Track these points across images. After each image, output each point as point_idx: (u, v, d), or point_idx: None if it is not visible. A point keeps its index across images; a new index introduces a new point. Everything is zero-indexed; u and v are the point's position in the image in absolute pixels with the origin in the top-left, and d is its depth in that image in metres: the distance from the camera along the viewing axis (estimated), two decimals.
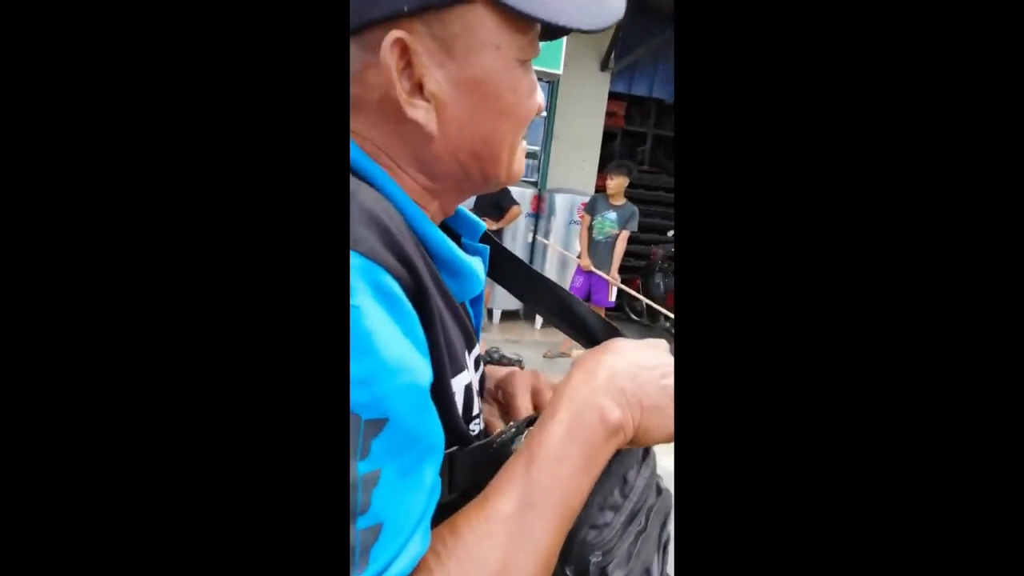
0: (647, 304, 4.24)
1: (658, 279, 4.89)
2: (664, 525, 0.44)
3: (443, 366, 0.34)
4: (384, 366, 0.27)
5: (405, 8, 0.30)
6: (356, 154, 0.34)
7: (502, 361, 0.55)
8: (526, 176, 5.26)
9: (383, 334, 0.28)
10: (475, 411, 0.39)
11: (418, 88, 0.34)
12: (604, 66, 5.02)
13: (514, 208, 4.11)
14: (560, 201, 4.79)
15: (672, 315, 4.23)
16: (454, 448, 0.36)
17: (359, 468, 0.27)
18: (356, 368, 0.27)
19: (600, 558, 0.37)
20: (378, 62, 0.32)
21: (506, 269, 0.48)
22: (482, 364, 0.44)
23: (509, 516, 0.30)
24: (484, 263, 0.42)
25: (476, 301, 0.43)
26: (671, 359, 0.38)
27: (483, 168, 0.37)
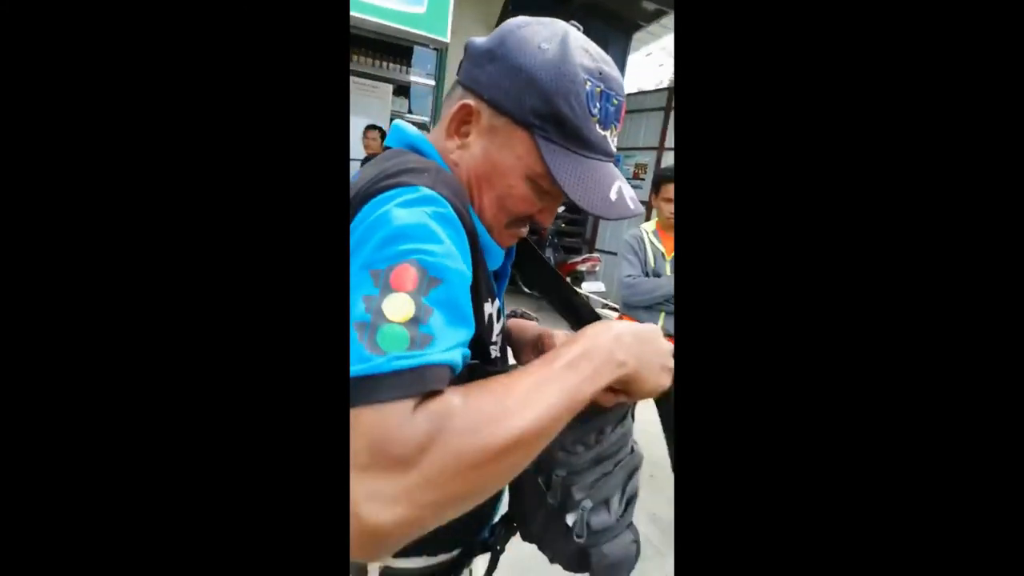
0: None
1: (548, 253, 5.10)
2: (630, 477, 0.54)
3: (479, 287, 0.46)
4: (447, 250, 0.38)
5: (484, 95, 0.47)
6: (435, 155, 0.51)
7: (525, 315, 0.72)
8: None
9: (448, 234, 0.39)
10: (494, 337, 0.52)
11: (464, 133, 0.50)
12: None
13: None
14: None
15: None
16: (476, 361, 0.45)
17: (422, 300, 0.35)
18: (428, 244, 0.37)
19: (564, 475, 0.50)
20: (455, 103, 0.49)
21: (525, 261, 0.63)
22: (503, 316, 0.56)
23: (524, 385, 0.36)
24: (509, 256, 0.59)
25: (500, 276, 0.58)
26: (668, 345, 0.48)
27: (479, 212, 0.50)
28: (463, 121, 0.49)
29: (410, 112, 5.12)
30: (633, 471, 0.54)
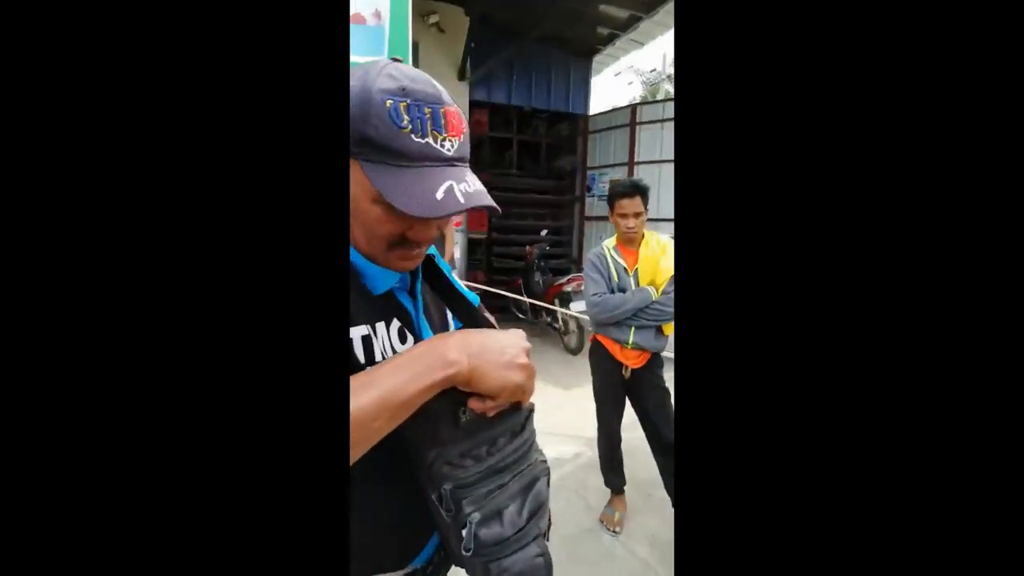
0: (530, 303, 4.43)
1: (536, 277, 5.15)
2: (530, 488, 0.54)
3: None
4: None
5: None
6: None
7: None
8: None
9: None
10: (377, 357, 0.54)
11: None
12: (461, 76, 5.16)
13: None
14: None
15: (554, 308, 4.50)
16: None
17: None
18: None
19: (451, 488, 0.51)
20: None
21: (432, 279, 0.68)
22: (406, 336, 0.59)
23: (352, 384, 0.43)
24: (408, 282, 0.62)
25: (402, 296, 0.61)
26: (520, 342, 0.52)
27: (358, 246, 0.55)
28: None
29: None
30: (533, 481, 0.54)
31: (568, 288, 4.61)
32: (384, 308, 0.57)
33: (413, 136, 0.48)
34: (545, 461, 0.57)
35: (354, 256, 0.56)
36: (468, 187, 0.50)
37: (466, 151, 0.52)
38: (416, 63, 4.23)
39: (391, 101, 0.48)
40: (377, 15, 3.51)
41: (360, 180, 0.50)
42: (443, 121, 0.50)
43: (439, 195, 0.48)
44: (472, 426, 0.51)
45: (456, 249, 4.28)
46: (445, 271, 0.67)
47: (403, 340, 0.57)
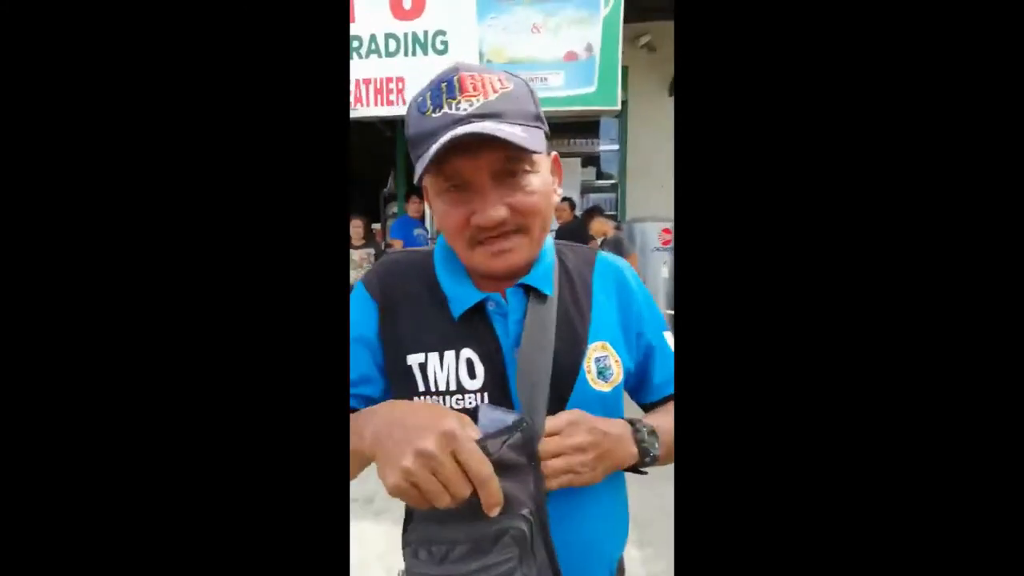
0: None
1: None
2: None
3: (399, 345, 0.57)
4: (352, 323, 0.58)
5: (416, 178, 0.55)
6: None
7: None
8: (609, 210, 5.33)
9: (352, 308, 0.59)
10: (431, 387, 0.55)
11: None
12: (672, 92, 5.06)
13: (592, 242, 4.18)
14: (640, 229, 4.75)
15: None
16: None
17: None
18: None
19: (403, 574, 0.48)
20: None
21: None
22: (464, 366, 0.56)
23: None
24: (510, 306, 0.58)
25: (493, 316, 0.58)
26: (438, 422, 0.41)
27: (459, 255, 0.57)
28: (427, 199, 0.59)
29: (598, 179, 5.43)
30: None
31: None
32: (458, 335, 0.55)
33: (433, 114, 0.50)
34: None
35: (445, 279, 0.58)
36: (475, 128, 0.47)
37: (495, 107, 0.49)
38: (625, 87, 4.34)
39: (420, 97, 0.52)
40: (588, 49, 3.74)
41: (427, 187, 0.55)
42: (456, 87, 0.50)
43: (442, 140, 0.48)
44: (442, 514, 0.42)
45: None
46: (614, 285, 0.60)
47: (472, 373, 0.54)
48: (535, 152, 0.50)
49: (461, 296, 0.56)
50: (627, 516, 0.62)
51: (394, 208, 5.83)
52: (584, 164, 5.27)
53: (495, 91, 0.50)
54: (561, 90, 3.71)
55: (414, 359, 0.55)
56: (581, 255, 0.63)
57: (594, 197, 5.38)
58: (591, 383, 0.55)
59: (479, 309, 0.56)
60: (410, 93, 3.86)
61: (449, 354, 0.55)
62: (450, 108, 0.50)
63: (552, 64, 3.76)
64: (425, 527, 0.45)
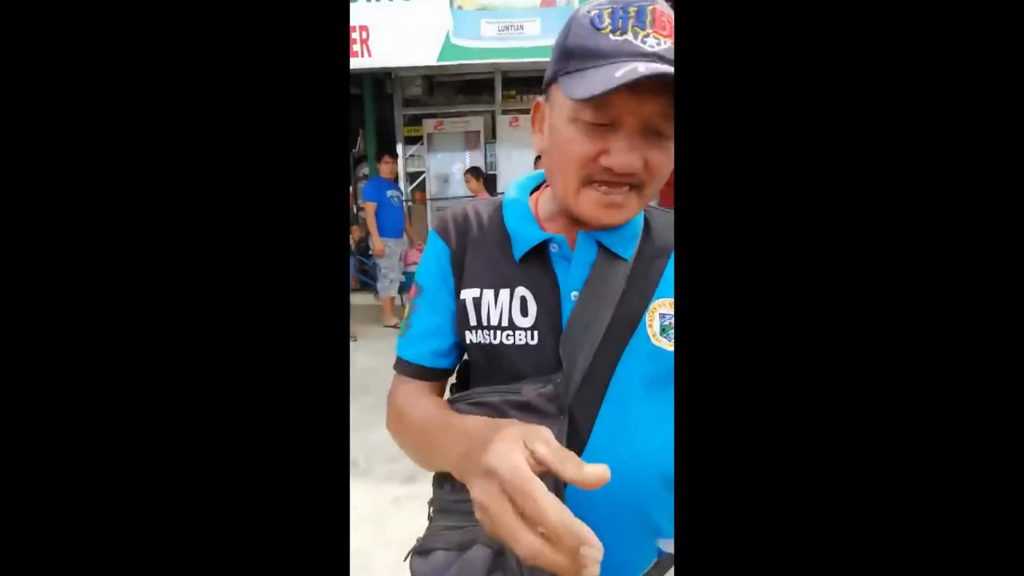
0: None
1: None
2: (466, 545, 0.49)
3: (459, 282, 0.59)
4: (422, 271, 0.62)
5: (543, 85, 0.56)
6: None
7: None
8: None
9: (426, 255, 0.62)
10: (483, 320, 0.57)
11: (540, 128, 0.56)
12: None
13: None
14: None
15: None
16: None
17: (414, 300, 0.62)
18: (419, 270, 0.63)
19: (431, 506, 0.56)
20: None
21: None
22: (505, 295, 0.57)
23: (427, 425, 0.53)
24: (577, 253, 0.57)
25: (557, 261, 0.57)
26: (509, 450, 0.36)
27: (555, 191, 0.56)
28: (536, 118, 0.56)
29: None
30: (470, 543, 0.48)
31: None
32: (517, 274, 0.55)
33: (611, 35, 0.46)
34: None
35: (512, 221, 0.58)
36: (652, 68, 0.43)
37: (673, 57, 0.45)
38: None
39: (596, 11, 0.47)
40: None
41: (559, 101, 0.50)
42: (648, 18, 0.46)
43: (617, 74, 0.43)
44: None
45: None
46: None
47: (524, 311, 0.54)
48: None
49: (524, 235, 0.56)
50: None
51: (364, 170, 5.65)
52: None
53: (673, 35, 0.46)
54: (539, 39, 3.56)
55: (468, 293, 0.56)
56: (669, 220, 0.60)
57: None
58: (651, 337, 0.53)
59: (541, 250, 0.56)
60: (375, 43, 3.66)
61: (504, 292, 0.55)
62: (635, 38, 0.45)
63: (528, 11, 3.59)
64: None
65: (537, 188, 0.63)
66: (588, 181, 0.50)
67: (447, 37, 3.57)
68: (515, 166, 5.00)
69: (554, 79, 0.50)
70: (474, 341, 0.56)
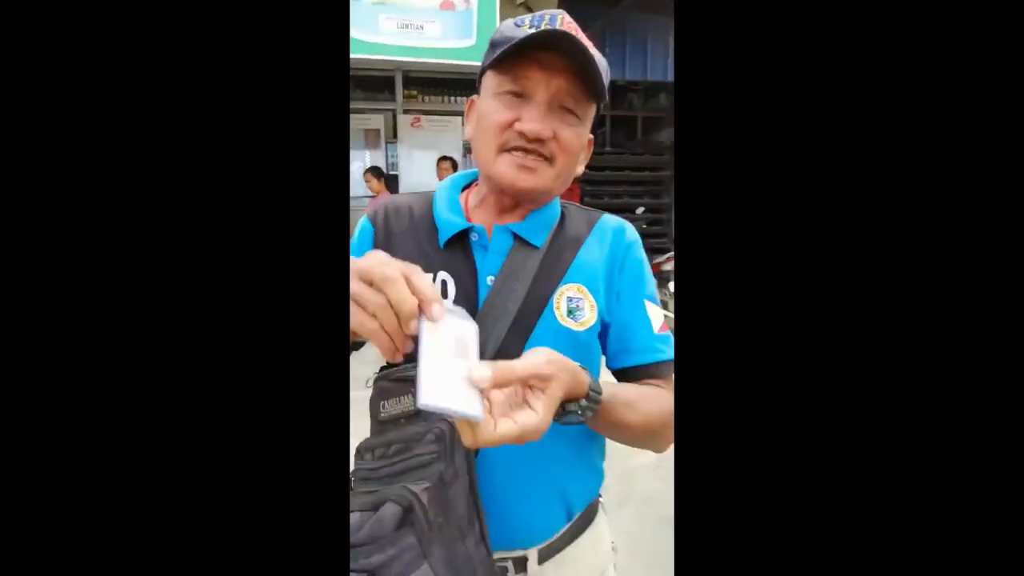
0: None
1: None
2: (376, 506, 0.49)
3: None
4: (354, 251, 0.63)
5: (476, 84, 0.63)
6: None
7: None
8: None
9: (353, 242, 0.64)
10: None
11: (471, 119, 0.64)
12: None
13: None
14: None
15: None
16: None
17: None
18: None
19: (353, 474, 0.54)
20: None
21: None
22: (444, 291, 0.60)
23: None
24: (494, 241, 0.62)
25: (477, 248, 0.62)
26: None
27: (478, 163, 0.61)
28: (469, 113, 0.64)
29: None
30: (379, 503, 0.48)
31: (667, 267, 4.45)
32: (440, 260, 0.60)
33: (528, 29, 0.54)
34: (415, 496, 0.48)
35: (440, 211, 0.62)
36: (571, 36, 0.53)
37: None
38: None
39: (518, 18, 0.57)
40: (465, 0, 3.60)
41: (484, 88, 0.59)
42: (558, 20, 0.56)
43: (529, 32, 0.53)
44: (386, 425, 0.52)
45: None
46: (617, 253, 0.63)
47: (443, 293, 0.58)
48: (595, 101, 0.58)
49: (449, 224, 0.61)
50: (599, 462, 0.67)
51: None
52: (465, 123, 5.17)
53: (586, 45, 0.55)
54: (439, 41, 3.55)
55: None
56: (584, 215, 0.67)
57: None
58: (558, 318, 0.59)
59: (462, 238, 0.61)
60: None
61: (427, 277, 0.56)
62: (545, 23, 0.55)
63: (428, 11, 3.57)
64: (372, 438, 0.53)
65: (468, 186, 0.68)
66: (504, 147, 0.57)
67: None
68: (417, 167, 4.93)
69: (482, 72, 0.59)
70: None
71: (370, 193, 4.27)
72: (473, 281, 0.59)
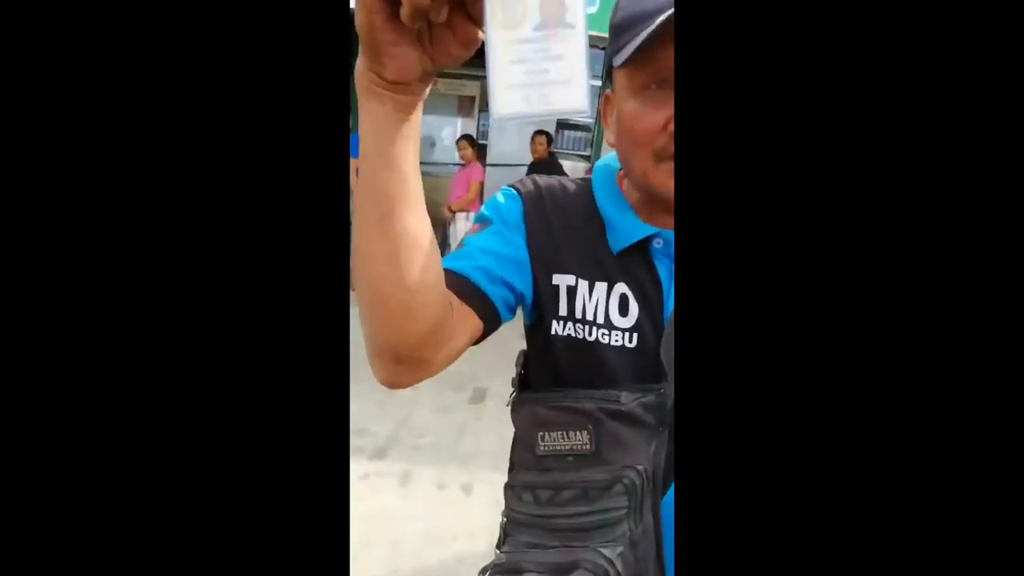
0: None
1: None
2: (564, 571, 0.43)
3: (548, 261, 0.52)
4: (489, 208, 0.54)
5: (603, 75, 0.55)
6: None
7: None
8: (578, 150, 5.18)
9: (504, 205, 0.54)
10: (576, 312, 0.51)
11: (609, 120, 0.53)
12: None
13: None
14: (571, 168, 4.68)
15: None
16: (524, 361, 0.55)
17: (476, 233, 0.52)
18: (491, 210, 0.54)
19: (504, 519, 0.49)
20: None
21: None
22: (611, 293, 0.51)
23: None
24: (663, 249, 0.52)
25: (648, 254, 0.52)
26: None
27: (632, 178, 0.51)
28: (606, 112, 0.53)
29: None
30: (571, 568, 0.42)
31: None
32: (615, 267, 0.51)
33: None
34: (611, 563, 0.42)
35: (607, 207, 0.52)
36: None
37: None
38: None
39: None
40: None
41: (619, 85, 0.48)
42: None
43: (658, 21, 0.41)
44: (548, 460, 0.45)
45: None
46: None
47: (623, 310, 0.49)
48: None
49: (624, 228, 0.51)
50: None
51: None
52: None
53: None
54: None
55: (562, 279, 0.51)
56: None
57: (568, 135, 5.20)
58: None
59: (642, 245, 0.51)
60: None
61: (600, 285, 0.50)
62: None
63: None
64: (528, 473, 0.46)
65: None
66: (664, 156, 0.46)
67: None
68: (507, 138, 4.88)
69: (611, 65, 0.48)
70: (561, 333, 0.51)
71: (459, 161, 4.28)
72: (659, 297, 0.50)
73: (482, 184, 4.25)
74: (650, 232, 0.50)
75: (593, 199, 0.54)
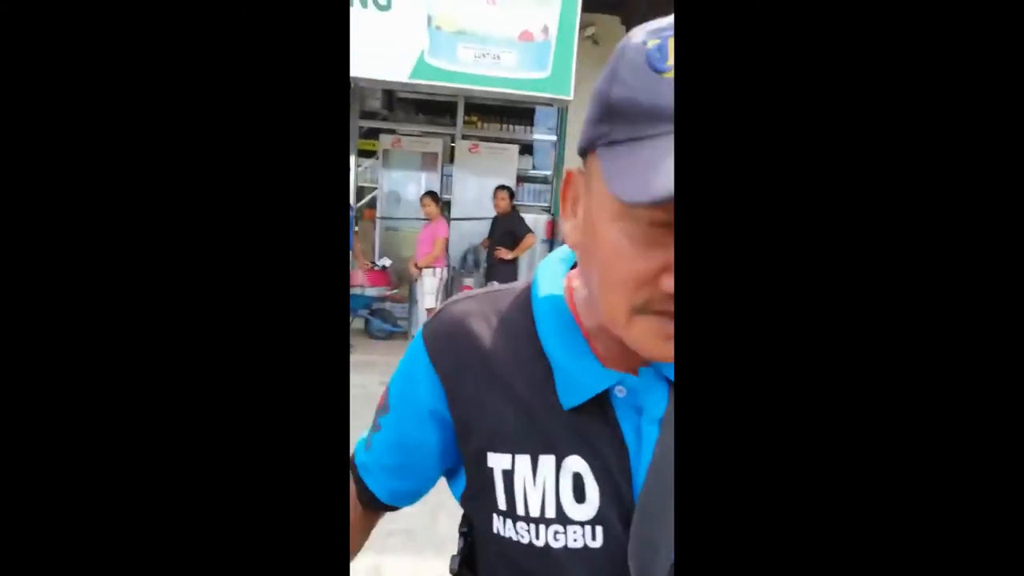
0: None
1: None
2: None
3: (474, 432, 0.42)
4: (395, 386, 0.48)
5: (578, 149, 0.37)
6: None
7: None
8: (540, 202, 5.38)
9: (400, 369, 0.48)
10: (517, 507, 0.39)
11: (574, 209, 0.38)
12: None
13: (528, 237, 4.23)
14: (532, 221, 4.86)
15: None
16: (468, 529, 0.49)
17: (379, 419, 0.49)
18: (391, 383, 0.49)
19: None
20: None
21: None
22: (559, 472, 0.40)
23: None
24: (649, 396, 0.39)
25: (628, 408, 0.39)
26: None
27: (596, 306, 0.37)
28: (567, 194, 0.39)
29: (534, 168, 5.47)
30: None
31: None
32: (565, 432, 0.39)
33: (666, 76, 0.31)
34: None
35: (554, 343, 0.39)
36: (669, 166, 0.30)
37: None
38: (572, 81, 4.37)
39: (656, 40, 0.31)
40: (544, 31, 3.71)
41: (598, 185, 0.34)
42: (667, 51, 0.32)
43: (660, 173, 0.30)
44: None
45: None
46: None
47: (579, 495, 0.38)
48: None
49: (580, 377, 0.38)
50: None
51: None
52: (521, 152, 5.28)
53: None
54: (515, 71, 3.65)
55: (496, 461, 0.39)
56: None
57: (529, 188, 5.40)
58: None
59: (600, 399, 0.38)
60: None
61: (546, 461, 0.38)
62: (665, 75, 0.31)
63: (506, 42, 3.69)
64: None
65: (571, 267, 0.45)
66: (645, 310, 0.33)
67: (421, 55, 3.58)
68: (471, 193, 5.04)
69: (591, 146, 0.34)
70: (503, 535, 0.40)
71: (423, 216, 4.37)
72: (625, 469, 0.38)
73: (447, 240, 4.36)
74: (611, 382, 0.38)
75: (534, 327, 0.41)
